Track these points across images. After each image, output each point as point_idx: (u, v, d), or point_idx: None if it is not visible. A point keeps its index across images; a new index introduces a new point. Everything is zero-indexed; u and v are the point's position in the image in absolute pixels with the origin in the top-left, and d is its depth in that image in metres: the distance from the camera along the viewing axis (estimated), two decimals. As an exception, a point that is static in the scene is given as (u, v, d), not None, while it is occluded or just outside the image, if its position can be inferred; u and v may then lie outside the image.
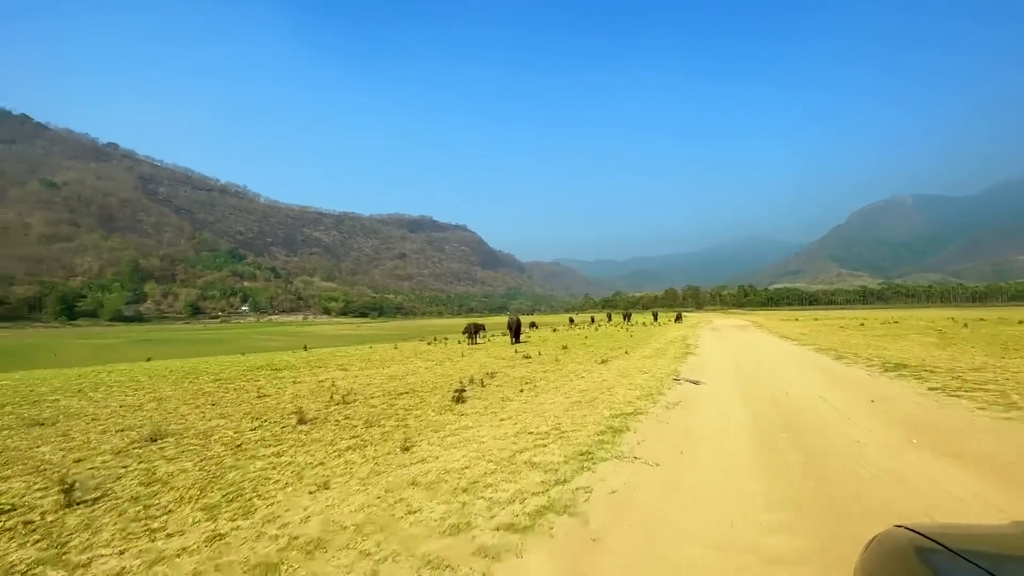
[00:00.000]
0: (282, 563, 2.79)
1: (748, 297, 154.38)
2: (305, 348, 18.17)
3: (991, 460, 3.85)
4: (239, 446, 4.86)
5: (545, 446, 4.63)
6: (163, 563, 2.84)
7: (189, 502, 3.59)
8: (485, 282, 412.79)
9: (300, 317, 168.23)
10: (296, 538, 3.04)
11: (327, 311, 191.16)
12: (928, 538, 1.24)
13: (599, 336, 21.15)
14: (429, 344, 20.42)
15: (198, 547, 2.98)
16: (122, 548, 2.97)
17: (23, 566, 2.82)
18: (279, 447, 4.85)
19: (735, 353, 11.97)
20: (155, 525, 3.23)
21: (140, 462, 4.49)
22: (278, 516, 3.34)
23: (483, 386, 8.04)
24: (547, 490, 3.64)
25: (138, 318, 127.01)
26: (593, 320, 48.40)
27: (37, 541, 3.08)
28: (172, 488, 3.89)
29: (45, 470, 4.32)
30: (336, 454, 4.62)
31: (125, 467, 4.37)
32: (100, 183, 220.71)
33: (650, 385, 7.74)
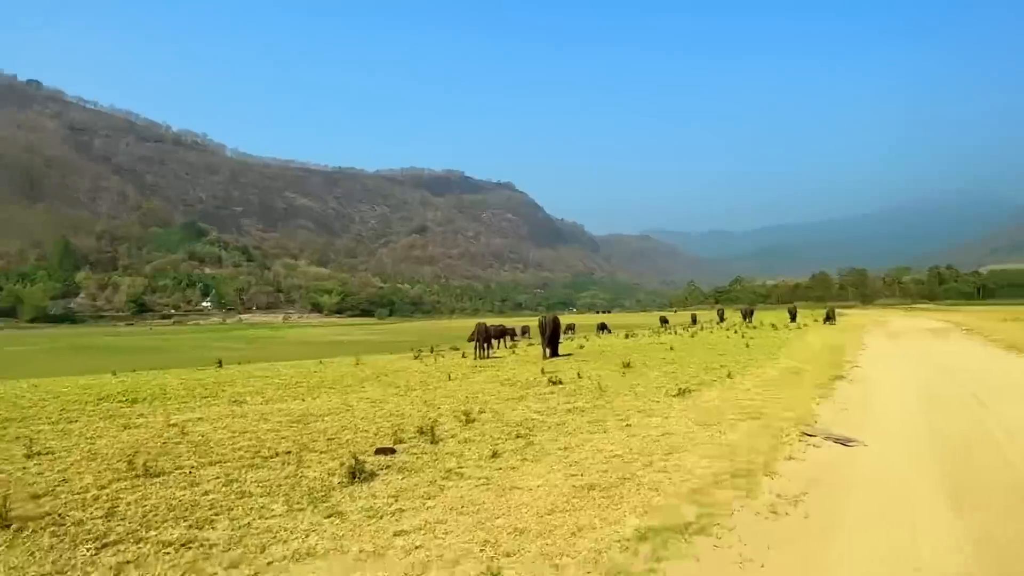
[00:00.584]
0: None
1: (946, 285, 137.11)
2: (219, 364, 17.95)
3: None
4: None
5: None
6: None
7: None
8: (542, 264, 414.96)
9: (280, 316, 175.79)
10: None
11: (317, 307, 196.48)
12: None
13: (693, 346, 21.77)
14: (418, 357, 20.39)
15: None
16: None
17: None
18: None
19: (928, 380, 11.60)
20: None
21: None
22: None
23: (435, 441, 7.37)
24: None
25: (68, 318, 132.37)
26: (695, 321, 51.77)
27: None
28: None
29: None
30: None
31: None
32: (20, 135, 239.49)
33: (752, 445, 6.78)
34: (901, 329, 30.57)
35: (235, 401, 10.85)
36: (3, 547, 4.46)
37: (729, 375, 12.88)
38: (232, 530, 4.67)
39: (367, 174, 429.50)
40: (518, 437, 7.49)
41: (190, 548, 4.38)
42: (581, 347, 23.47)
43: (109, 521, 4.88)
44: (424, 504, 5.17)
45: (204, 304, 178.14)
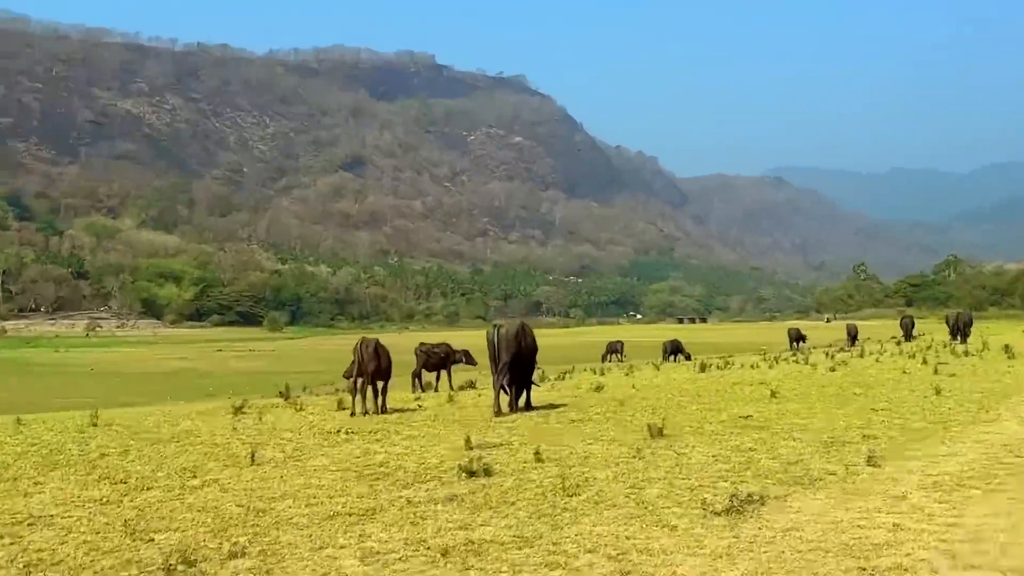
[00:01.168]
0: None
1: None
2: None
3: None
4: None
5: None
6: None
7: None
8: (578, 230, 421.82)
9: (83, 323, 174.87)
10: None
11: (153, 308, 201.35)
12: None
13: (821, 389, 23.43)
14: (240, 411, 20.91)
15: None
16: None
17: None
18: None
19: None
20: None
21: None
22: None
23: None
24: None
25: None
26: (854, 339, 61.37)
27: None
28: None
29: None
30: None
31: None
32: None
33: None
34: None
35: None
36: None
37: (871, 461, 11.97)
38: None
39: (253, 58, 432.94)
40: None
41: None
42: (599, 387, 25.06)
43: None
44: None
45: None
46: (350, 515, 9.66)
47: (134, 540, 8.84)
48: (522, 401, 20.02)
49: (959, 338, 49.75)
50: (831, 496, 9.95)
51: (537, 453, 12.61)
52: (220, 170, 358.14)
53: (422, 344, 30.66)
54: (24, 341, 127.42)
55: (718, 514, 8.93)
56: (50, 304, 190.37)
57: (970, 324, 52.22)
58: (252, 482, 11.94)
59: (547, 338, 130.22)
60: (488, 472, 11.57)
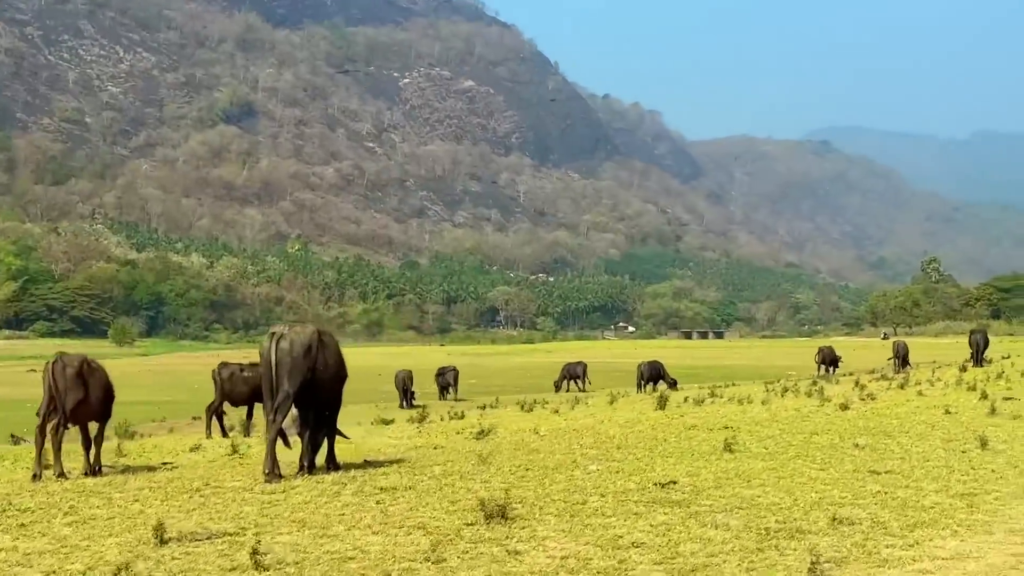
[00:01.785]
0: None
1: None
2: None
3: None
4: None
5: None
6: None
7: None
8: (553, 209, 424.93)
9: None
10: None
11: None
12: None
13: (811, 445, 21.72)
14: None
15: None
16: None
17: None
18: None
19: None
20: None
21: None
22: None
23: None
24: None
25: None
26: (905, 363, 62.62)
27: None
28: None
29: None
30: None
31: None
32: None
33: None
34: None
35: None
36: None
37: (815, 572, 10.26)
38: None
39: None
40: None
41: None
42: (484, 432, 24.30)
43: None
44: None
45: None
46: None
47: None
48: (321, 456, 18.69)
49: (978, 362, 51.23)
50: None
51: (256, 554, 10.81)
52: (53, 120, 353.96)
53: (224, 364, 29.56)
54: None
55: None
56: None
57: (984, 346, 53.35)
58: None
59: (495, 357, 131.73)
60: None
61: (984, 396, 30.43)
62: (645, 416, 28.99)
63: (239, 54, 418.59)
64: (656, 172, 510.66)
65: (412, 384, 50.95)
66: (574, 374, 64.08)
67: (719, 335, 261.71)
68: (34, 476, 18.16)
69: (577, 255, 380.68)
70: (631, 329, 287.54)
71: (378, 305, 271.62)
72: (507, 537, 12.03)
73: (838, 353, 66.73)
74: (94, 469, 18.38)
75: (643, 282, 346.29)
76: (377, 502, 15.08)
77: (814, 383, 48.03)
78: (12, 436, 25.90)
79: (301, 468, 18.20)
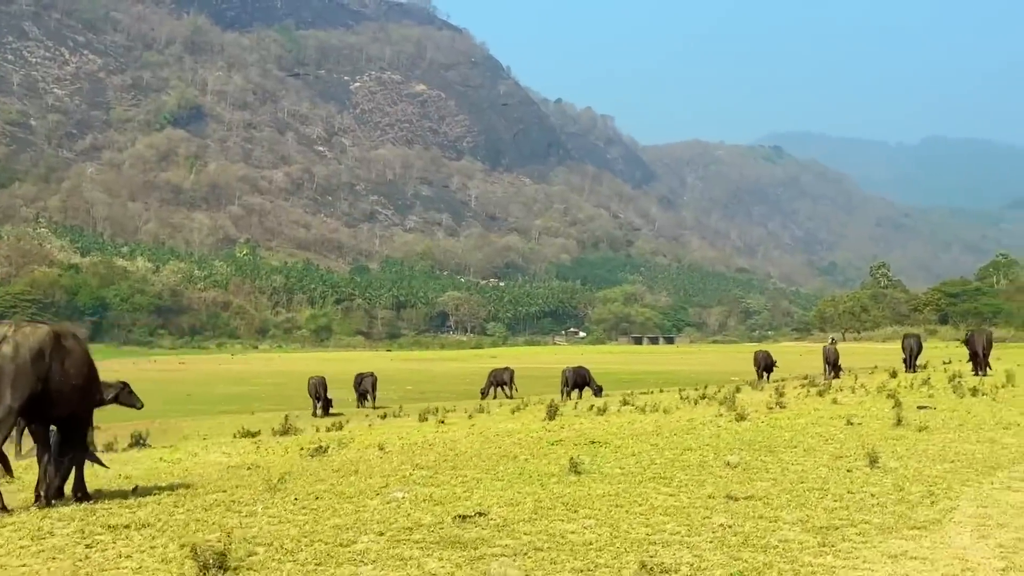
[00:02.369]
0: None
1: None
2: None
3: None
4: None
5: None
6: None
7: None
8: (501, 215, 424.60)
9: None
10: None
11: None
12: None
13: (675, 464, 19.72)
14: None
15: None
16: None
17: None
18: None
19: None
20: None
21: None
22: None
23: None
24: None
25: None
26: (835, 368, 60.97)
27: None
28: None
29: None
30: None
31: None
32: None
33: None
34: None
35: None
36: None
37: None
38: None
39: None
40: None
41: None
42: (320, 448, 23.14)
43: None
44: None
45: None
46: None
47: None
48: (70, 483, 16.39)
49: (979, 368, 48.58)
50: None
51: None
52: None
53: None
54: None
55: None
56: None
57: (989, 347, 50.51)
58: None
59: (437, 363, 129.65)
60: None
61: (898, 404, 28.52)
62: (525, 428, 27.02)
63: (187, 56, 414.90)
64: (608, 177, 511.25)
65: (326, 392, 48.73)
66: (501, 380, 62.00)
67: (670, 340, 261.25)
68: None
69: (528, 260, 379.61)
70: (582, 335, 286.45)
71: (326, 310, 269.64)
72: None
73: (774, 358, 65.65)
74: None
75: (594, 287, 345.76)
76: (88, 546, 12.77)
77: (738, 389, 46.62)
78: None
79: (37, 498, 15.88)
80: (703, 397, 39.86)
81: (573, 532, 12.89)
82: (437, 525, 13.38)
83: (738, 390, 46.61)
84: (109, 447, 29.50)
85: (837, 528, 12.87)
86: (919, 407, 28.01)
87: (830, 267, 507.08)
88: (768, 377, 61.32)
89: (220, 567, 10.38)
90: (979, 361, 49.43)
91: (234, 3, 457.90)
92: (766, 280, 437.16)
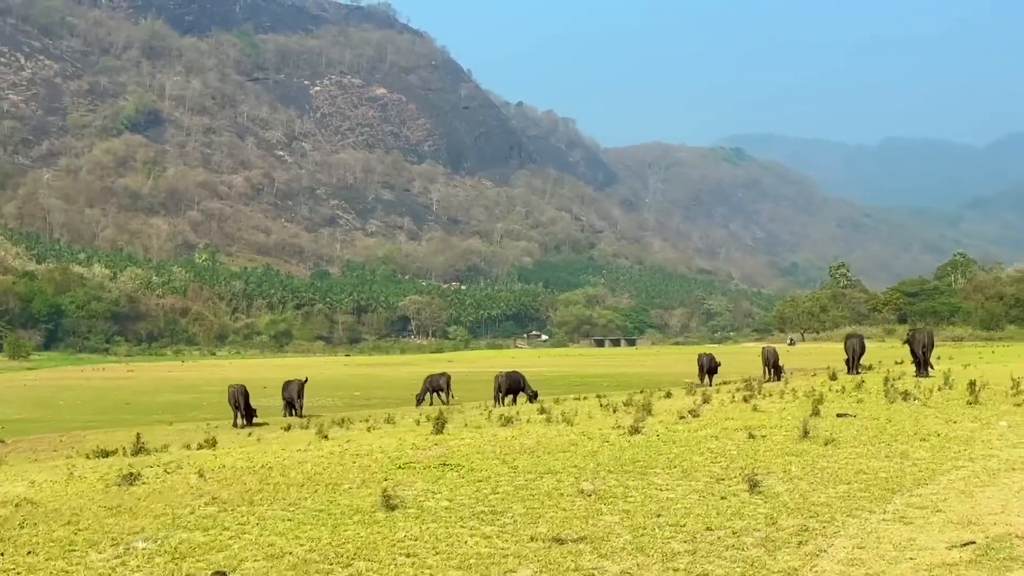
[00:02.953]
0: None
1: None
2: None
3: None
4: None
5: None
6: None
7: None
8: (463, 218, 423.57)
9: None
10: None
11: None
12: None
13: (505, 497, 17.62)
14: None
15: None
16: None
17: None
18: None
19: None
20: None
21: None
22: None
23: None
24: None
25: None
26: (776, 369, 58.78)
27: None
28: None
29: None
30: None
31: None
32: None
33: None
34: None
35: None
36: None
37: None
38: None
39: None
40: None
41: None
42: (130, 475, 20.66)
43: None
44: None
45: None
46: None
47: None
48: None
49: (922, 368, 46.23)
50: None
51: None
52: None
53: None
54: None
55: None
56: None
57: (930, 347, 48.23)
58: None
59: (391, 368, 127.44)
60: None
61: (816, 413, 26.24)
62: (400, 444, 24.33)
63: (145, 61, 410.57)
64: (570, 179, 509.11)
65: (247, 400, 45.88)
66: (437, 386, 58.32)
67: (631, 342, 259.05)
68: None
69: (490, 263, 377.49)
70: (544, 337, 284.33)
71: (286, 316, 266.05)
72: None
73: (718, 360, 62.67)
74: None
75: (556, 290, 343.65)
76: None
77: (668, 395, 44.18)
78: None
79: None
80: (627, 403, 36.93)
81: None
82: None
83: (668, 395, 44.40)
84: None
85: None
86: (838, 415, 26.07)
87: (791, 268, 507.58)
88: (711, 380, 58.51)
89: None
90: (919, 361, 47.24)
91: (192, 8, 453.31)
92: (728, 281, 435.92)
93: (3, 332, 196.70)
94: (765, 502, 14.33)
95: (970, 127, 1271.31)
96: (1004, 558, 11.14)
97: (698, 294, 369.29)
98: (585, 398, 48.30)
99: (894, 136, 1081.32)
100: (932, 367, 47.20)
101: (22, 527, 15.45)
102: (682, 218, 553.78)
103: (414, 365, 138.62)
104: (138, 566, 12.39)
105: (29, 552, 13.60)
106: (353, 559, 12.05)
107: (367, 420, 39.08)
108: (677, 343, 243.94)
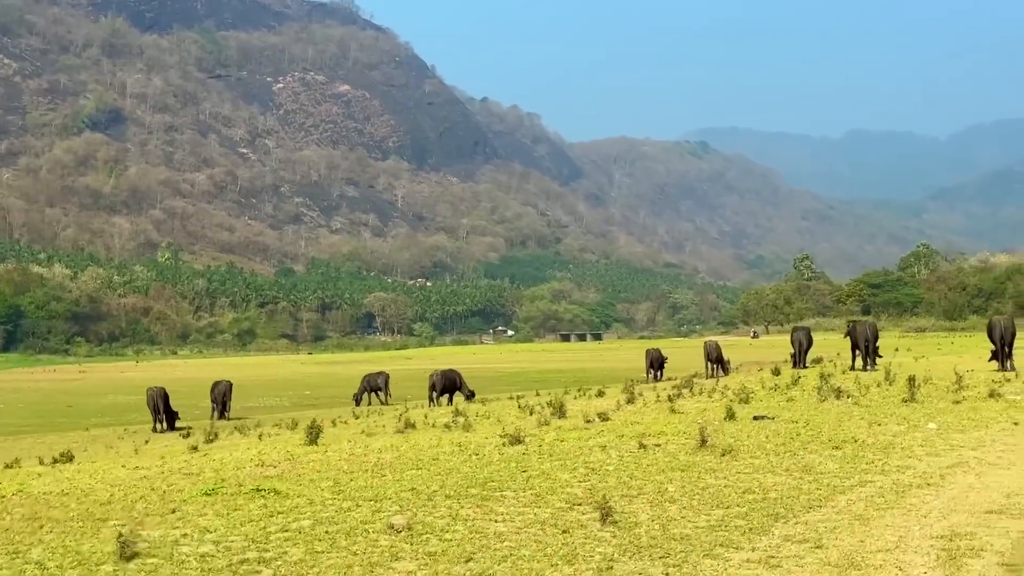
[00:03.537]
0: None
1: None
2: None
3: None
4: None
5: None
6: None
7: None
8: (430, 214, 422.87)
9: None
10: None
11: None
12: None
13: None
14: None
15: None
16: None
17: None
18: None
19: None
20: None
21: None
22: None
23: None
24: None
25: None
26: (720, 365, 57.80)
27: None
28: None
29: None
30: None
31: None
32: None
33: None
34: None
35: None
36: None
37: None
38: None
39: None
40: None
41: None
42: None
43: None
44: None
45: None
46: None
47: None
48: None
49: (866, 362, 45.05)
50: None
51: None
52: None
53: None
54: None
55: None
56: None
57: (874, 340, 46.62)
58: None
59: (349, 366, 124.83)
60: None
61: (731, 415, 24.06)
62: (259, 457, 21.95)
63: (105, 60, 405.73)
64: (535, 175, 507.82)
65: (167, 404, 43.63)
66: (375, 386, 56.90)
67: (597, 337, 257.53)
68: None
69: (456, 259, 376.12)
70: (510, 333, 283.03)
71: (249, 314, 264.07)
72: None
73: (664, 355, 60.61)
74: None
75: (522, 285, 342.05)
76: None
77: (600, 393, 42.60)
78: None
79: None
80: (549, 404, 33.53)
81: None
82: None
83: (600, 393, 42.83)
84: None
85: None
86: (755, 417, 23.78)
87: (757, 260, 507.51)
88: (659, 374, 57.15)
89: None
90: (860, 356, 46.60)
91: (152, 5, 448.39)
92: (694, 275, 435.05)
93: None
94: (613, 537, 11.70)
95: (933, 119, 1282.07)
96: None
97: (664, 288, 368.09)
98: (521, 396, 46.17)
99: (858, 129, 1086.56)
100: (877, 359, 45.74)
101: None
102: (648, 212, 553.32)
103: (372, 364, 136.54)
104: None
105: None
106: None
107: (278, 424, 36.90)
108: (643, 337, 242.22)
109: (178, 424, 43.27)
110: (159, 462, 24.06)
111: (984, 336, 47.57)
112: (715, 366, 54.70)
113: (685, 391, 36.51)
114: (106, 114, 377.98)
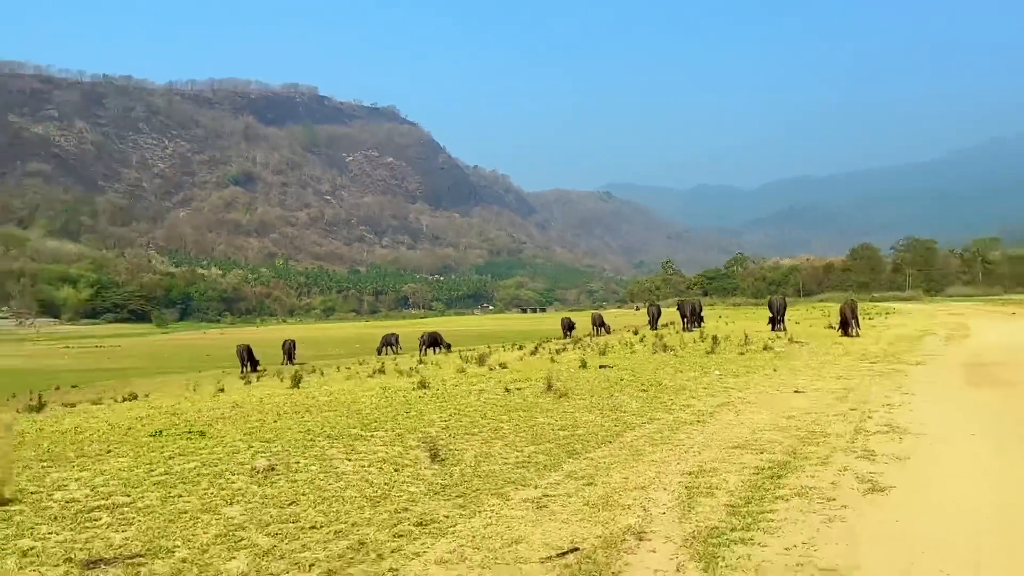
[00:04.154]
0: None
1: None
2: None
3: None
4: None
5: None
6: None
7: None
8: (442, 236, 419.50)
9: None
10: None
11: (51, 307, 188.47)
12: None
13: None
14: None
15: None
16: None
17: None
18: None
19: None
20: None
21: None
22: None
23: None
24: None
25: None
26: (568, 331, 53.08)
27: None
28: None
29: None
30: None
31: None
32: None
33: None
34: (999, 341, 25.83)
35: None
36: None
37: None
38: None
39: (154, 88, 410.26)
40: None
41: None
42: None
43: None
44: None
45: None
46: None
47: None
48: None
49: (691, 324, 42.76)
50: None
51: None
52: (122, 185, 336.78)
53: None
54: None
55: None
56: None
57: (696, 312, 44.27)
58: None
59: (382, 329, 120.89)
60: None
61: (584, 364, 20.68)
62: (250, 399, 17.08)
63: (243, 142, 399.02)
64: (506, 212, 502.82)
65: (251, 355, 39.61)
66: (389, 342, 52.67)
67: (543, 310, 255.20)
68: None
69: (458, 263, 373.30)
70: (491, 308, 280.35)
71: (331, 297, 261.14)
72: None
73: (573, 321, 57.74)
74: None
75: (499, 279, 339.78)
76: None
77: (520, 347, 38.40)
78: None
79: None
80: (477, 355, 30.04)
81: None
82: None
83: (520, 347, 38.64)
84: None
85: None
86: (600, 366, 20.14)
87: (640, 264, 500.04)
88: (569, 334, 52.55)
89: None
90: (684, 322, 44.03)
91: (272, 108, 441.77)
92: (603, 272, 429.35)
93: (153, 310, 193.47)
94: (434, 476, 8.59)
95: (747, 175, 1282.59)
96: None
97: (584, 280, 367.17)
98: (474, 349, 42.81)
99: (702, 183, 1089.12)
100: (702, 324, 43.63)
101: None
102: (575, 235, 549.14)
103: (404, 327, 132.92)
104: None
105: None
106: None
107: (313, 371, 33.22)
108: (572, 310, 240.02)
109: (259, 369, 39.23)
110: (184, 400, 19.23)
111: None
112: (599, 328, 51.47)
113: (570, 346, 32.88)
114: (243, 176, 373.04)
